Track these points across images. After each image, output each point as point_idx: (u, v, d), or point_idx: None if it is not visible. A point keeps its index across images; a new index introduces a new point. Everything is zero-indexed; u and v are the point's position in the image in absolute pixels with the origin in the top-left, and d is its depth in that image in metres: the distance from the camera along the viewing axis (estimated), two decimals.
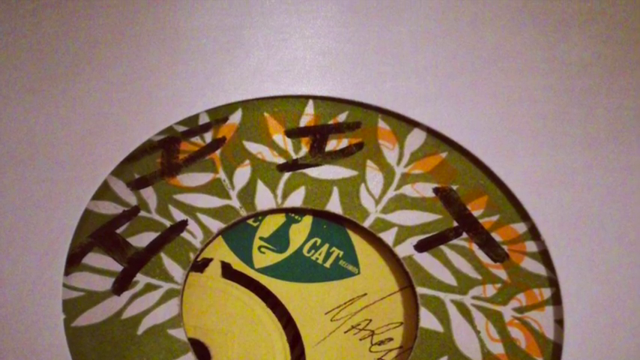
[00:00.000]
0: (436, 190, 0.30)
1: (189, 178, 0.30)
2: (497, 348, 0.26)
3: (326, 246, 0.29)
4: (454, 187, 0.30)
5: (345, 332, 0.27)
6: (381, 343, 0.27)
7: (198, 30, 0.35)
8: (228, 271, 0.28)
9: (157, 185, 0.30)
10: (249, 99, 0.32)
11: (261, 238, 0.29)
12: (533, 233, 0.29)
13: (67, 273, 0.27)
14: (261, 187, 0.30)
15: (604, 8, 0.37)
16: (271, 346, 0.26)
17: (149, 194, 0.29)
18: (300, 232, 0.29)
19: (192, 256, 0.28)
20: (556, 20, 0.37)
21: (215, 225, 0.29)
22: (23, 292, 0.26)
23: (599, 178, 0.31)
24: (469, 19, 0.37)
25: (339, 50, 0.35)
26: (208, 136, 0.31)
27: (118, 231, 0.28)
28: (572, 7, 0.37)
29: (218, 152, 0.31)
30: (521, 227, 0.29)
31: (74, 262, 0.27)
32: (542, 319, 0.27)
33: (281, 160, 0.31)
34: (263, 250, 0.29)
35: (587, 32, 0.36)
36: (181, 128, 0.31)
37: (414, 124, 0.32)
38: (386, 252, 0.29)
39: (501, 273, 0.28)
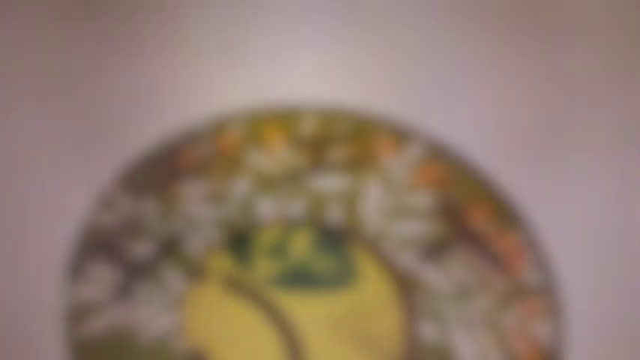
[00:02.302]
0: (436, 200, 0.30)
1: (190, 188, 0.30)
2: (497, 359, 0.26)
3: (326, 256, 0.29)
4: (454, 197, 0.30)
5: (346, 342, 0.27)
6: (381, 352, 0.27)
7: (199, 38, 0.36)
8: (228, 282, 0.28)
9: (157, 194, 0.30)
10: (249, 108, 0.33)
11: (261, 248, 0.29)
12: (534, 242, 0.29)
13: (66, 282, 0.27)
14: (261, 197, 0.30)
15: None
16: (273, 356, 0.26)
17: (149, 203, 0.29)
18: (300, 242, 0.29)
19: (193, 266, 0.28)
20: (559, 28, 0.37)
21: (216, 235, 0.29)
22: (21, 303, 0.26)
23: (602, 186, 0.31)
24: (471, 25, 0.37)
25: (340, 60, 0.35)
26: (208, 146, 0.31)
27: (119, 240, 0.28)
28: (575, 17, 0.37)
29: (218, 162, 0.31)
30: (521, 236, 0.29)
31: (74, 271, 0.27)
32: (543, 330, 0.27)
33: (281, 170, 0.31)
34: (264, 260, 0.29)
35: (588, 42, 0.36)
36: (181, 137, 0.31)
37: (415, 133, 0.32)
38: (386, 262, 0.29)
39: (502, 282, 0.28)
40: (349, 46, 0.36)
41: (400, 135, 0.32)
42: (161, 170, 0.30)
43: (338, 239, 0.30)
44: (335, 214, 0.29)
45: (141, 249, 0.28)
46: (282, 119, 0.32)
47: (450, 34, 0.37)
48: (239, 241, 0.29)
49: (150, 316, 0.27)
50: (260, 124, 0.32)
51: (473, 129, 0.32)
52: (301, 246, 0.29)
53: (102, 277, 0.27)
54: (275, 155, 0.31)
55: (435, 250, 0.29)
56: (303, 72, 0.35)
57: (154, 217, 0.29)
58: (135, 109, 0.33)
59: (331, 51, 0.36)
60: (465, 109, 0.33)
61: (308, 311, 0.27)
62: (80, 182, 0.30)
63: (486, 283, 0.28)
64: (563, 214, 0.30)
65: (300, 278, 0.28)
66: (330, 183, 0.30)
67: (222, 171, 0.31)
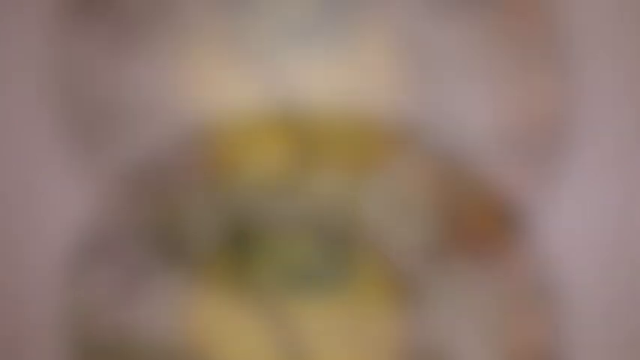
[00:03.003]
0: (436, 202, 0.30)
1: (190, 189, 0.30)
2: (497, 359, 0.26)
3: (326, 259, 0.29)
4: (455, 197, 0.30)
5: (346, 342, 0.27)
6: (381, 353, 0.27)
7: (199, 39, 0.36)
8: (229, 283, 0.28)
9: (157, 195, 0.30)
10: (249, 108, 0.33)
11: (262, 249, 0.29)
12: (534, 242, 0.29)
13: (68, 282, 0.27)
14: (261, 198, 0.30)
15: None
16: (273, 356, 0.27)
17: (149, 204, 0.29)
18: (300, 245, 0.29)
19: (193, 266, 0.28)
20: (561, 25, 0.37)
21: (216, 236, 0.29)
22: (21, 304, 0.26)
23: (603, 186, 0.31)
24: (472, 24, 0.37)
25: (340, 59, 0.35)
26: (208, 146, 0.31)
27: (119, 241, 0.28)
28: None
29: (218, 163, 0.31)
30: (521, 237, 0.29)
31: (74, 272, 0.27)
32: (543, 330, 0.27)
33: (280, 173, 0.31)
34: (264, 263, 0.29)
35: (591, 39, 0.36)
36: (181, 138, 0.31)
37: (415, 133, 0.32)
38: (386, 262, 0.29)
39: (501, 282, 0.28)
40: (349, 46, 0.36)
41: (400, 135, 0.32)
42: (161, 171, 0.30)
43: (338, 240, 0.30)
44: (335, 215, 0.29)
45: (141, 249, 0.28)
46: (282, 119, 0.32)
47: (452, 34, 0.37)
48: (239, 242, 0.29)
49: (150, 316, 0.27)
50: (260, 124, 0.32)
51: (473, 129, 0.32)
52: (301, 247, 0.29)
53: (102, 277, 0.27)
54: (275, 156, 0.31)
55: (435, 250, 0.29)
56: (304, 72, 0.35)
57: (154, 217, 0.29)
58: (134, 110, 0.33)
59: (331, 51, 0.36)
60: (465, 109, 0.33)
61: (308, 312, 0.28)
62: (80, 183, 0.30)
63: (486, 282, 0.28)
64: (563, 214, 0.30)
65: (300, 279, 0.28)
66: (330, 183, 0.30)
67: (223, 172, 0.31)
